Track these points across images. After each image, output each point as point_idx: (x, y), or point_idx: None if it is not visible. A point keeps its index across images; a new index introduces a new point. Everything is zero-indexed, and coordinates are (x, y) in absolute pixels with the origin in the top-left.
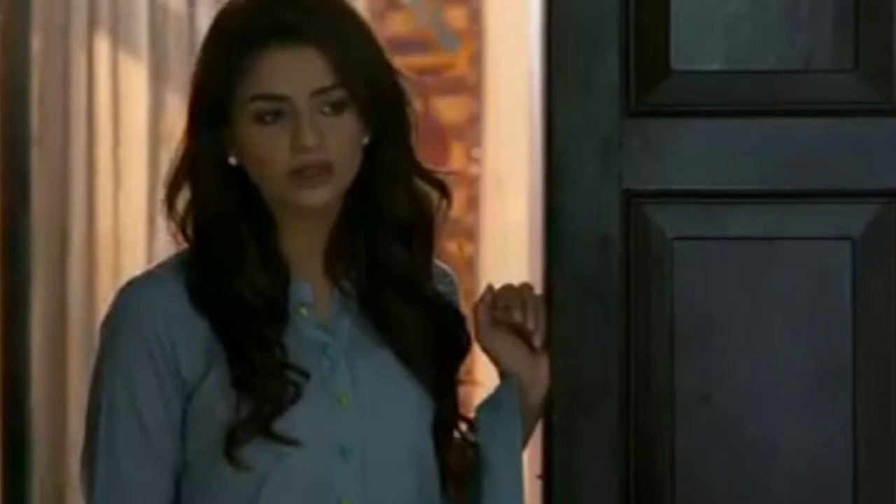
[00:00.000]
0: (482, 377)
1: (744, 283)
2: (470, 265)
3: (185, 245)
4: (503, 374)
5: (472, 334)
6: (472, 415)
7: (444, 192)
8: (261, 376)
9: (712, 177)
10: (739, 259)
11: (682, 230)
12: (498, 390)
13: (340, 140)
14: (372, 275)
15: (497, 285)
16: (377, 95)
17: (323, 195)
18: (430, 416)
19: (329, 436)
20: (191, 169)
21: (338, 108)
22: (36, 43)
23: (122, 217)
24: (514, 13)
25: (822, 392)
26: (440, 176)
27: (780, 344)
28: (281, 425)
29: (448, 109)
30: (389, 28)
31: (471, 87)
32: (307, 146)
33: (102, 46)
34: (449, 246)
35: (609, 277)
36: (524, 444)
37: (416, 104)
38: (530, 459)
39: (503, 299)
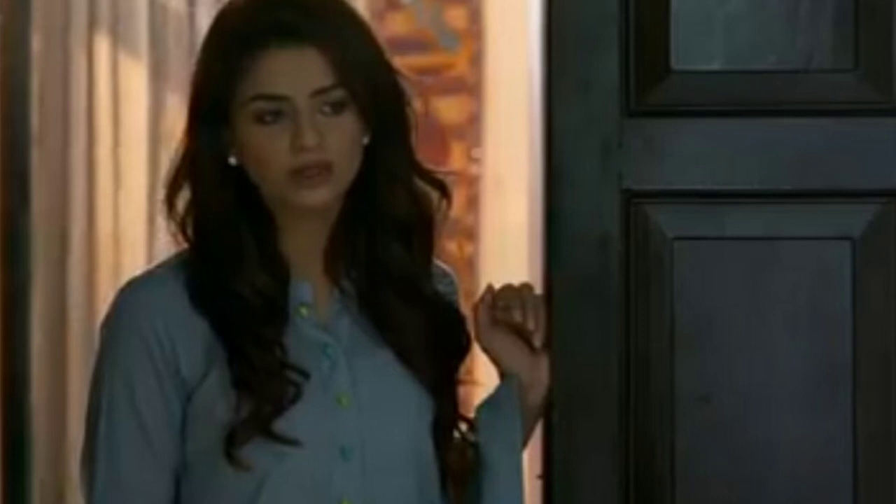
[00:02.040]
0: (482, 377)
1: (744, 283)
2: (470, 265)
3: (185, 245)
4: (503, 374)
5: (472, 334)
6: (472, 415)
7: (444, 192)
8: (260, 376)
9: (712, 177)
10: (739, 259)
11: (681, 230)
12: (498, 390)
13: (340, 140)
14: (372, 275)
15: (497, 285)
16: (377, 95)
17: (323, 195)
18: (430, 416)
19: (329, 436)
20: (191, 169)
21: (338, 107)
22: (36, 43)
23: (122, 217)
24: (514, 13)
25: (821, 392)
26: (440, 176)
27: (780, 344)
28: (281, 425)
29: (448, 109)
30: (389, 28)
31: (471, 87)
32: (307, 146)
33: (102, 46)
34: (449, 246)
35: (609, 277)
36: (524, 443)
37: (416, 104)
38: (530, 459)
39: (503, 299)
